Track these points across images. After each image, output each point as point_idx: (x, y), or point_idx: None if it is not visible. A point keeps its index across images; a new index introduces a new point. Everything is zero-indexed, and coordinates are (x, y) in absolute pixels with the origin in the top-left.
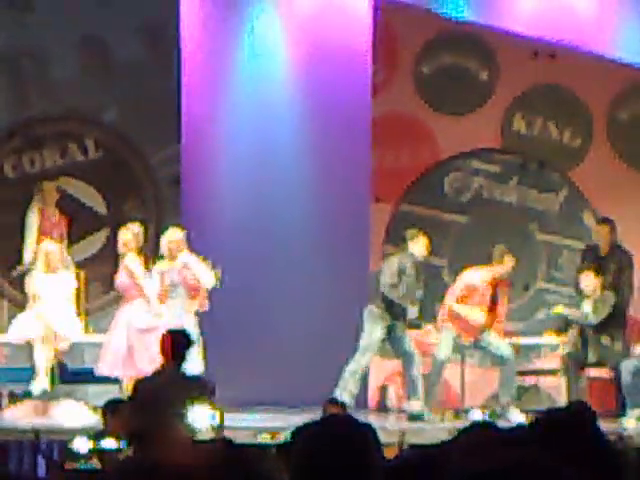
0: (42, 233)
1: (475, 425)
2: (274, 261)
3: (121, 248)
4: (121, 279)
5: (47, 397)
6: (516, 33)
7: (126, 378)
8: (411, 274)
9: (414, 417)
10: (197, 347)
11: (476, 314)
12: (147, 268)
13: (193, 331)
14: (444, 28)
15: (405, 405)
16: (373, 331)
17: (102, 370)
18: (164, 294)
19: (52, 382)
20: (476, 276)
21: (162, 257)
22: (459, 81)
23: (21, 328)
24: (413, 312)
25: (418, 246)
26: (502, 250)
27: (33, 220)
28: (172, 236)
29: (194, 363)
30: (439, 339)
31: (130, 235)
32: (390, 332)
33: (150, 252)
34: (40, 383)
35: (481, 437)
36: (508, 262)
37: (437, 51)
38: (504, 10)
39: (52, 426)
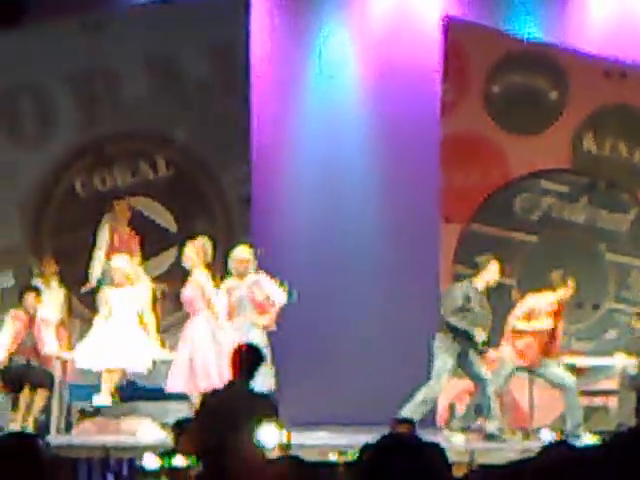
0: (111, 251)
1: (553, 445)
2: (344, 281)
3: (187, 262)
4: (188, 292)
5: (117, 414)
6: (587, 52)
7: (194, 394)
8: (477, 301)
9: (491, 437)
10: (266, 364)
11: (543, 323)
12: (216, 285)
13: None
14: (514, 47)
15: (484, 425)
16: (446, 360)
17: (171, 386)
18: (231, 311)
19: (122, 399)
20: (540, 300)
21: (230, 274)
22: (529, 100)
23: (89, 360)
24: (482, 335)
25: (490, 273)
26: (561, 274)
27: (103, 237)
28: (240, 254)
29: (264, 380)
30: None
31: (193, 249)
32: (461, 357)
33: (219, 270)
34: (103, 400)
35: (559, 457)
36: (569, 286)
37: (507, 70)
38: (575, 29)
39: (122, 443)
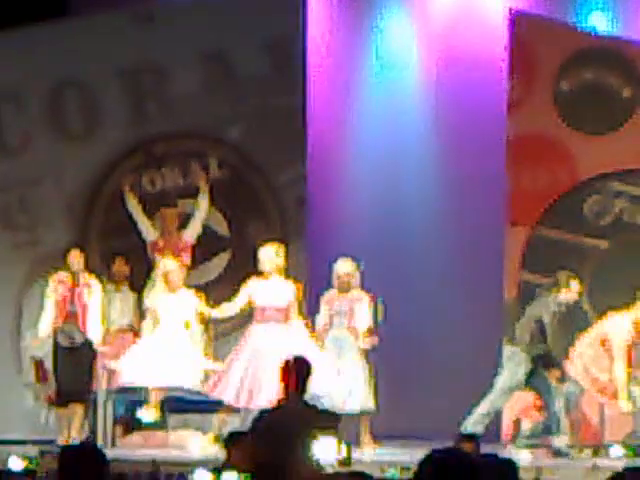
0: (156, 250)
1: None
2: (403, 286)
3: (267, 266)
4: (280, 299)
5: (165, 426)
6: None
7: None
8: (552, 327)
9: (559, 453)
10: (363, 377)
11: (617, 372)
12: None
13: (358, 363)
14: (585, 43)
15: (552, 441)
16: (516, 374)
17: (218, 394)
18: (328, 324)
19: (169, 411)
20: (619, 328)
21: (331, 287)
22: (600, 98)
23: (134, 375)
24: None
25: (570, 292)
26: None
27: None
28: (342, 268)
29: (367, 397)
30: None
31: (280, 253)
32: (532, 371)
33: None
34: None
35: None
36: None
37: (577, 67)
38: None
39: (171, 457)
